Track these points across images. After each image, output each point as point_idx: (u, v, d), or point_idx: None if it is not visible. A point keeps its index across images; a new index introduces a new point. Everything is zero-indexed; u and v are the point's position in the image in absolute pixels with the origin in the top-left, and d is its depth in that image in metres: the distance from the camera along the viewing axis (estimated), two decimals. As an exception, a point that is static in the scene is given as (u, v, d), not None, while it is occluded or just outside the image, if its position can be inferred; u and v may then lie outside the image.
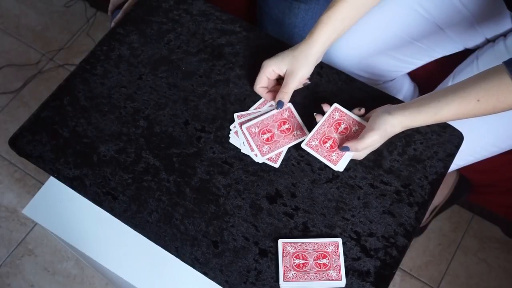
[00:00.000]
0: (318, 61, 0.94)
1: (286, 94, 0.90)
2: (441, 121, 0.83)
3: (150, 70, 0.99)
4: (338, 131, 0.88)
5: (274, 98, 0.93)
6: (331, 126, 0.89)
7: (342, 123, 0.89)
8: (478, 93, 0.79)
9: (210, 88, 0.97)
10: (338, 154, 0.87)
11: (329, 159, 0.86)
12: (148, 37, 1.02)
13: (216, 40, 1.02)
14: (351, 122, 0.89)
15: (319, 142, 0.88)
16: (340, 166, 0.86)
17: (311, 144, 0.87)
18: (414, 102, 0.84)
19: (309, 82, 0.94)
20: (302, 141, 0.89)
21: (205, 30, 1.03)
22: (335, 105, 0.90)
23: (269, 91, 0.95)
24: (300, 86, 0.94)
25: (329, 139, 0.88)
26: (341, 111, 0.90)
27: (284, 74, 0.91)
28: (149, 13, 1.05)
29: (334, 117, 0.89)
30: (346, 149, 0.84)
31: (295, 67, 0.89)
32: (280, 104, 0.91)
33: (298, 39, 1.26)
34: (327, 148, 0.87)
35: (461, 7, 1.07)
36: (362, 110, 0.90)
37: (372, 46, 1.15)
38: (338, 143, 0.87)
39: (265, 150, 0.88)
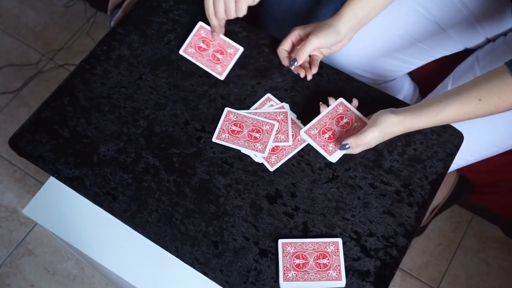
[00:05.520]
0: (346, 39, 0.95)
1: (302, 52, 0.92)
2: (443, 122, 0.83)
3: (150, 70, 0.99)
4: (339, 125, 0.88)
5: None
6: (333, 118, 0.89)
7: (344, 117, 0.89)
8: (480, 93, 0.79)
9: (210, 88, 0.97)
10: (335, 145, 0.87)
11: (326, 149, 0.87)
12: (148, 37, 1.02)
13: (216, 40, 1.02)
14: (354, 118, 0.89)
15: (319, 132, 0.88)
16: (334, 157, 0.87)
17: (310, 132, 0.88)
18: (416, 104, 0.85)
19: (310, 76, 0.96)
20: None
21: (205, 30, 1.03)
22: (341, 99, 0.91)
23: (289, 57, 0.97)
24: (320, 56, 0.97)
25: (328, 130, 0.88)
26: (345, 106, 0.90)
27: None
28: (149, 13, 1.05)
29: (337, 110, 0.90)
30: (345, 147, 0.84)
31: (318, 31, 0.92)
32: (294, 61, 0.93)
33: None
34: (325, 138, 0.87)
35: (462, 6, 1.07)
36: (355, 102, 0.91)
37: (374, 46, 1.15)
38: (337, 136, 0.87)
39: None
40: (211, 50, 0.98)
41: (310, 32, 0.93)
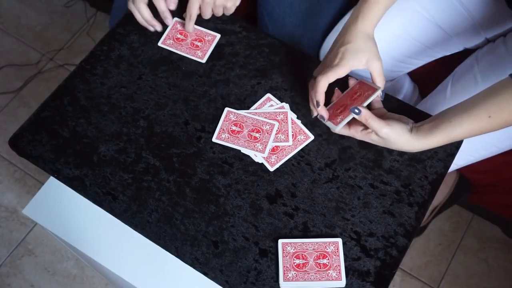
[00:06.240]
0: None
1: (383, 81, 0.87)
2: (455, 140, 0.84)
3: (150, 70, 0.99)
4: (352, 98, 0.89)
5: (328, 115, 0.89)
6: (349, 96, 0.90)
7: (358, 92, 0.89)
8: (489, 109, 0.79)
9: (210, 88, 0.97)
10: (343, 116, 0.86)
11: (334, 121, 0.87)
12: (148, 37, 1.02)
13: (216, 40, 1.02)
14: (365, 87, 0.89)
15: (333, 110, 0.89)
16: (339, 127, 0.86)
17: (330, 112, 0.89)
18: (426, 124, 0.84)
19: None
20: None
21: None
22: (360, 79, 0.91)
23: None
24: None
25: (342, 106, 0.88)
26: (362, 82, 0.91)
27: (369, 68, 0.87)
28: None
29: (354, 89, 0.91)
30: (354, 110, 0.83)
31: (375, 56, 0.86)
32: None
33: (299, 38, 1.26)
34: (337, 113, 0.88)
35: (463, 8, 1.07)
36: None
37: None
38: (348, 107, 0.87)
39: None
40: (189, 40, 1.01)
41: (364, 61, 0.86)
